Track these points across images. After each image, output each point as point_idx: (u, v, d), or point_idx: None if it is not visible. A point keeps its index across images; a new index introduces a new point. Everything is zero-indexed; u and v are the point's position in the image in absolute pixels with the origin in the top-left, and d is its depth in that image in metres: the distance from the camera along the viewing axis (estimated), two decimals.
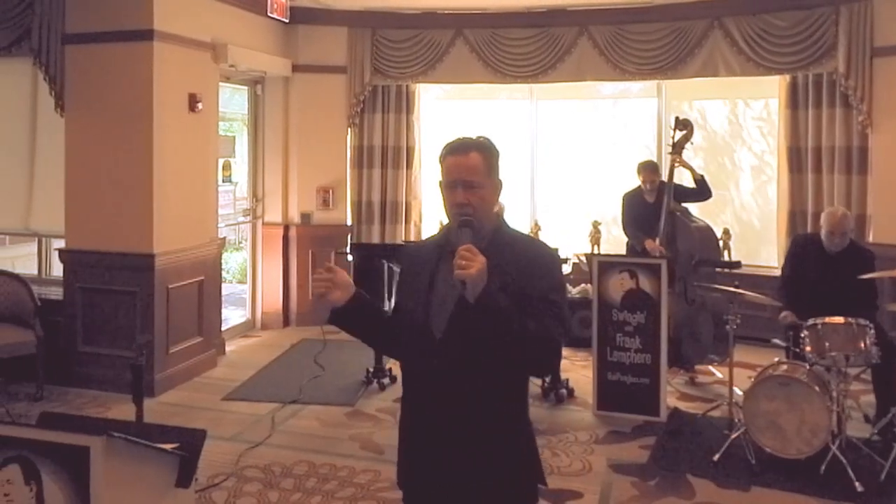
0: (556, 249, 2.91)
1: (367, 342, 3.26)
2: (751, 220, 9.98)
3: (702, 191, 8.03)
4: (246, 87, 9.91)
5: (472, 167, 2.79)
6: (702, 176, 8.07)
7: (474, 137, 2.91)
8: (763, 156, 9.89)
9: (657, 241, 7.75)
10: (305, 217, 10.07)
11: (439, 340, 2.75)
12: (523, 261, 2.75)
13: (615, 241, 9.58)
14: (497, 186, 2.88)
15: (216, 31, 8.20)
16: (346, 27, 9.94)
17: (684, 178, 8.23)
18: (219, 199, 8.74)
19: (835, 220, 6.24)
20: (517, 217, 9.49)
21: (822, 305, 5.89)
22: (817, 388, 5.45)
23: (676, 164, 7.90)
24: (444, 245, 2.87)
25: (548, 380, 7.31)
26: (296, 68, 9.91)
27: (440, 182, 2.88)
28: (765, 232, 9.71)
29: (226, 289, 10.06)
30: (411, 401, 2.92)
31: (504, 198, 8.38)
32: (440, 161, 2.88)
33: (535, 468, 2.91)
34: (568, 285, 7.87)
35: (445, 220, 2.95)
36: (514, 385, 2.85)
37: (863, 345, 5.54)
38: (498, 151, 2.90)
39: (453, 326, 2.72)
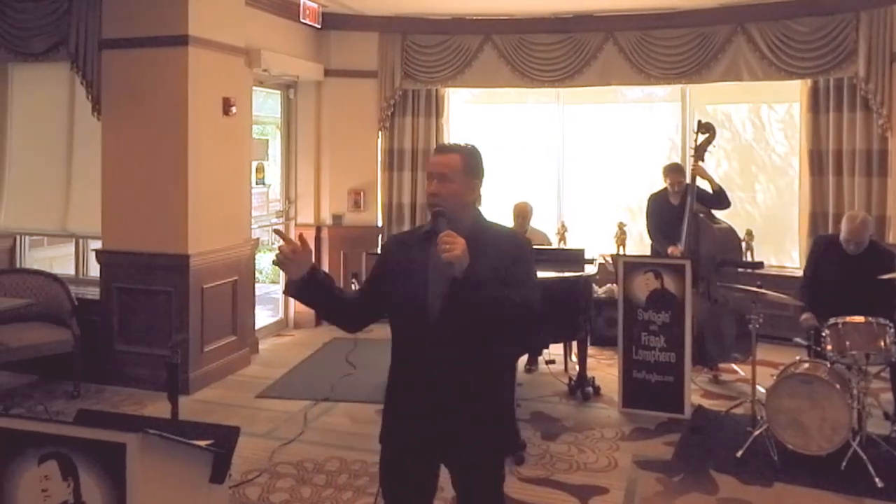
0: (529, 239, 3.54)
1: (323, 316, 3.68)
2: (773, 221, 9.97)
3: (720, 199, 8.03)
4: (279, 92, 10.05)
5: (448, 163, 3.14)
6: (720, 187, 8.08)
7: (463, 144, 3.26)
8: (786, 158, 9.90)
9: (679, 247, 7.81)
10: (337, 218, 10.20)
11: (436, 318, 3.06)
12: (503, 246, 3.12)
13: (640, 241, 9.62)
14: (474, 187, 3.20)
15: (250, 36, 8.29)
16: (377, 33, 10.08)
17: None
18: (252, 201, 8.84)
19: (853, 226, 6.26)
20: (544, 218, 9.57)
21: (842, 305, 5.93)
22: (838, 386, 5.50)
23: (696, 174, 7.93)
24: (430, 233, 3.10)
25: (574, 378, 7.43)
26: (328, 73, 10.05)
27: None
28: (787, 233, 9.73)
29: (259, 289, 10.12)
30: (403, 368, 3.23)
31: (532, 199, 8.41)
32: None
33: (508, 435, 3.47)
34: (594, 285, 7.94)
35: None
36: (498, 359, 3.21)
37: (882, 343, 5.60)
38: (480, 160, 3.23)
39: (447, 305, 3.02)
